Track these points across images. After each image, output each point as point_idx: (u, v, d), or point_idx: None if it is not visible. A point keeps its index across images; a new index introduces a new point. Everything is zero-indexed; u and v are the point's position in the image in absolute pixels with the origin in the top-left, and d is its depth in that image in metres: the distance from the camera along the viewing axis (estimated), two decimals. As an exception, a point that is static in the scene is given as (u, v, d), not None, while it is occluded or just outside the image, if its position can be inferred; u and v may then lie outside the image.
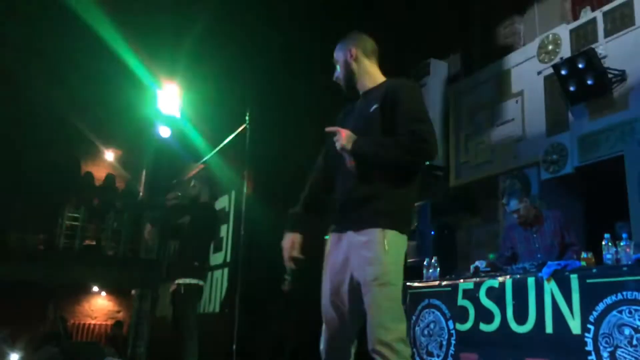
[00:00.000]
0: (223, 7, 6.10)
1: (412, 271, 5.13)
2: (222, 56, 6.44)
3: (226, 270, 7.01)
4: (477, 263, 4.01)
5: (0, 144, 9.41)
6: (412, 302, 4.38)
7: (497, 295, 3.58)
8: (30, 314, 9.42)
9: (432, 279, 4.30)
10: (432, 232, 5.34)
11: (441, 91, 6.56)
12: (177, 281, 4.64)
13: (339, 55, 2.47)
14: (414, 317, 4.30)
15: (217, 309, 6.79)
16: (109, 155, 11.96)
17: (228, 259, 7.10)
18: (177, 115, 7.40)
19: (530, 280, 3.37)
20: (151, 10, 6.20)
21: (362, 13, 6.69)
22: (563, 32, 5.28)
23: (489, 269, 3.89)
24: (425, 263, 4.45)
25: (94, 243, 9.99)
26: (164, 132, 7.74)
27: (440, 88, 6.58)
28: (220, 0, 6.08)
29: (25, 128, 9.52)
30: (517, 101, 5.73)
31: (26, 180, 9.06)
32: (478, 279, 3.81)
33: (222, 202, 7.56)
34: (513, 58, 5.85)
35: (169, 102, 7.37)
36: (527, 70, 5.65)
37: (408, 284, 4.50)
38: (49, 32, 6.46)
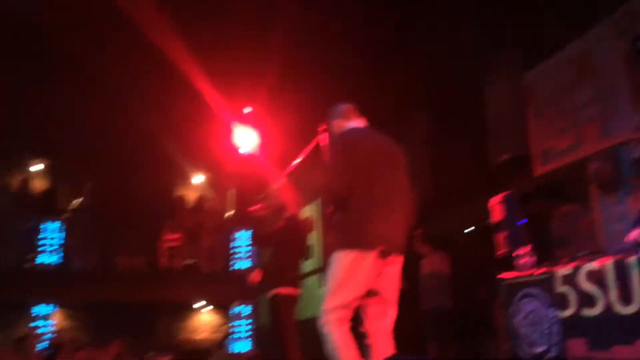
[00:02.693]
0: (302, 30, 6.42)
1: (504, 262, 5.10)
2: (298, 70, 6.73)
3: (318, 276, 7.21)
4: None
5: (104, 176, 10.26)
6: (508, 293, 4.34)
7: (597, 278, 3.51)
8: (140, 331, 9.98)
9: (527, 269, 4.26)
10: (522, 222, 5.25)
11: (516, 80, 6.45)
12: (273, 291, 4.83)
13: None
14: (511, 309, 4.27)
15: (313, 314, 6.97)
16: (197, 178, 12.58)
17: (320, 265, 7.30)
18: (254, 153, 7.69)
19: (633, 261, 3.28)
20: (231, 46, 6.62)
21: (430, 13, 6.76)
22: (642, 3, 5.08)
23: None
24: (517, 253, 4.42)
25: (192, 262, 10.55)
26: (246, 148, 8.04)
27: (515, 76, 6.47)
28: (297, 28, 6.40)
29: (124, 158, 10.27)
30: (599, 79, 5.55)
31: (129, 208, 9.78)
32: (576, 264, 3.74)
33: (308, 211, 7.79)
34: (590, 36, 5.66)
35: (246, 139, 7.68)
36: (607, 46, 5.46)
37: (501, 276, 4.47)
38: (142, 68, 7.02)
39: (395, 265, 2.93)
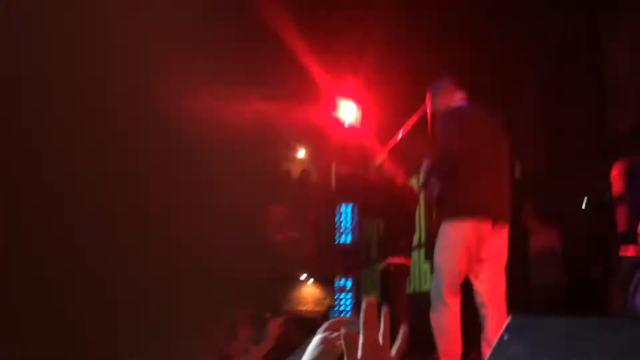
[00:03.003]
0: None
1: (625, 238, 4.75)
2: (403, 43, 6.67)
3: (422, 250, 7.16)
4: None
5: (204, 148, 10.81)
6: (629, 271, 4.07)
7: None
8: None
9: (651, 244, 3.94)
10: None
11: (637, 39, 5.91)
12: (386, 261, 4.88)
13: None
14: (632, 287, 3.99)
15: (417, 289, 6.98)
16: (300, 152, 12.87)
17: (422, 240, 7.24)
18: (357, 126, 7.72)
19: None
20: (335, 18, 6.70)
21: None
22: None
23: None
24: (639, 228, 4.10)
25: (298, 234, 10.87)
26: (348, 120, 8.08)
27: (636, 36, 5.94)
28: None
29: (232, 134, 10.75)
30: None
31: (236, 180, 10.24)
32: None
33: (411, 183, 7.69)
34: None
35: (349, 113, 7.73)
36: None
37: (621, 253, 4.20)
38: (249, 44, 7.30)
39: (502, 233, 2.97)
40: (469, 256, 2.92)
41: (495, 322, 2.85)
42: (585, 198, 6.21)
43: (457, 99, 3.26)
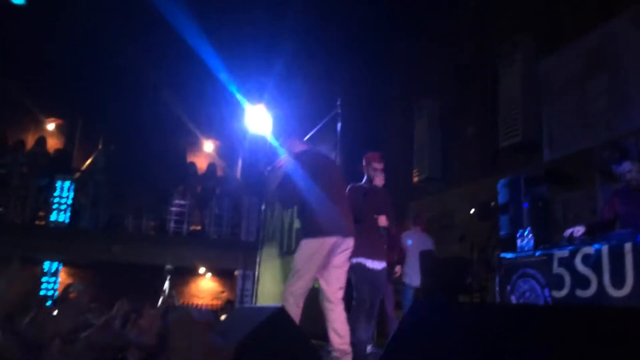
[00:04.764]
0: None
1: (506, 242, 5.24)
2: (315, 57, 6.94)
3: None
4: (573, 229, 4.10)
5: (120, 139, 10.43)
6: (507, 272, 4.49)
7: (593, 261, 3.64)
8: (144, 290, 10.20)
9: (526, 249, 4.39)
10: (525, 205, 5.38)
11: (530, 67, 6.51)
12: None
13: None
14: (509, 287, 4.42)
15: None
16: (208, 145, 12.74)
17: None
18: (266, 133, 7.90)
19: (627, 246, 3.42)
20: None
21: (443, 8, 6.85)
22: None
23: (583, 235, 3.97)
24: (518, 234, 4.55)
25: (199, 228, 10.75)
26: (256, 127, 8.21)
27: (528, 64, 6.53)
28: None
29: (139, 124, 10.45)
30: (611, 72, 5.61)
31: (141, 170, 9.96)
32: (573, 248, 3.88)
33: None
34: (606, 28, 5.71)
35: (256, 120, 7.89)
36: (621, 39, 5.51)
37: (502, 255, 4.62)
38: (164, 50, 7.29)
39: (348, 245, 3.75)
40: (321, 265, 3.65)
41: (338, 314, 3.65)
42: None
43: (302, 145, 4.07)
